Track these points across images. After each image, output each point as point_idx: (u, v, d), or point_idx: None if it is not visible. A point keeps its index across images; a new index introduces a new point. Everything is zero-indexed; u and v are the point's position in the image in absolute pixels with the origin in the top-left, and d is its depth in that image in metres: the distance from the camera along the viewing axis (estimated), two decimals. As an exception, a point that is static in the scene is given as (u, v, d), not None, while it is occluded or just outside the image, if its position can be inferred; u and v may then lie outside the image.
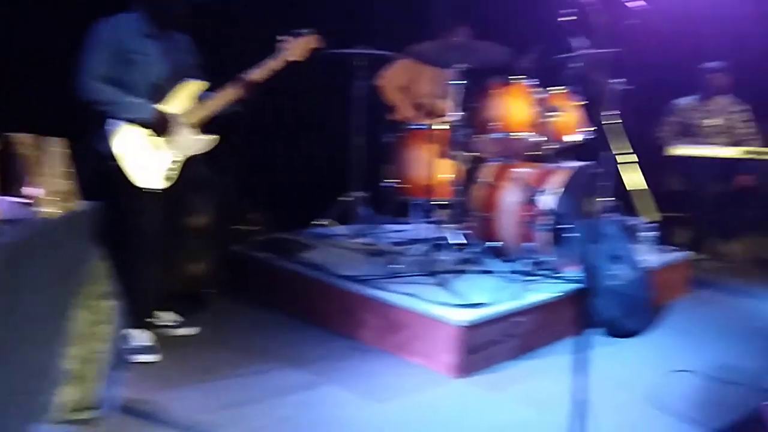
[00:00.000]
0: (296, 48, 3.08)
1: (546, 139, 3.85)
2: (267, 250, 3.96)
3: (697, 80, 5.30)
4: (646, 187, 2.04)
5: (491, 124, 3.84)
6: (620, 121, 4.32)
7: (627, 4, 4.37)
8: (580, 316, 3.47)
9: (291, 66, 3.10)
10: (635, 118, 5.30)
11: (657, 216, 2.07)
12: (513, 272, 3.48)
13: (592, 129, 2.17)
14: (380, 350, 3.18)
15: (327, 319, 3.46)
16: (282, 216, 4.43)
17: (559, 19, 2.25)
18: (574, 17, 2.22)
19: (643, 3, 4.32)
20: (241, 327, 3.47)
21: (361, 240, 4.25)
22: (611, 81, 4.34)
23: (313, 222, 4.62)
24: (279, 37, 3.07)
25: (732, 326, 3.77)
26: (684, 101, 5.37)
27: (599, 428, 2.21)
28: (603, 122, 2.04)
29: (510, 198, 3.77)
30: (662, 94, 5.51)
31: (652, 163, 5.45)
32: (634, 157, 1.95)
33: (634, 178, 2.07)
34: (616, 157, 2.00)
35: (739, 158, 4.99)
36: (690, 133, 5.29)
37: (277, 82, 3.11)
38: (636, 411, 2.69)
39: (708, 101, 5.28)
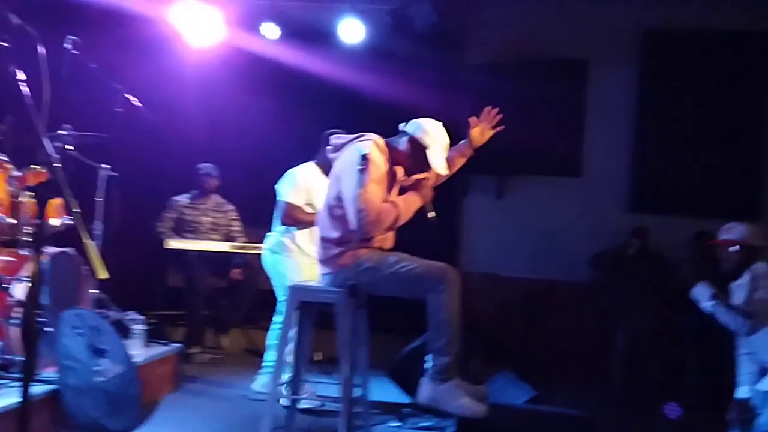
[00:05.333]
0: None
1: (20, 222, 3.39)
2: None
3: (193, 179, 5.54)
4: (94, 246, 1.89)
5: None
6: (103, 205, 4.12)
7: (126, 95, 4.32)
8: (57, 420, 3.05)
9: None
10: (136, 210, 5.21)
11: (106, 274, 1.94)
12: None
13: (74, 213, 1.97)
14: None
15: None
16: None
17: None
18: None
19: (136, 99, 4.33)
20: None
21: None
22: (98, 165, 4.16)
23: None
24: None
25: (217, 417, 3.79)
26: (181, 198, 5.52)
27: None
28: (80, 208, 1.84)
29: (-29, 290, 3.16)
30: (164, 188, 5.59)
31: (154, 258, 5.40)
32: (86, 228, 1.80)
33: (91, 246, 1.90)
34: (86, 242, 1.81)
35: (230, 252, 5.33)
36: (187, 229, 5.43)
37: None
38: None
39: (202, 199, 5.53)
